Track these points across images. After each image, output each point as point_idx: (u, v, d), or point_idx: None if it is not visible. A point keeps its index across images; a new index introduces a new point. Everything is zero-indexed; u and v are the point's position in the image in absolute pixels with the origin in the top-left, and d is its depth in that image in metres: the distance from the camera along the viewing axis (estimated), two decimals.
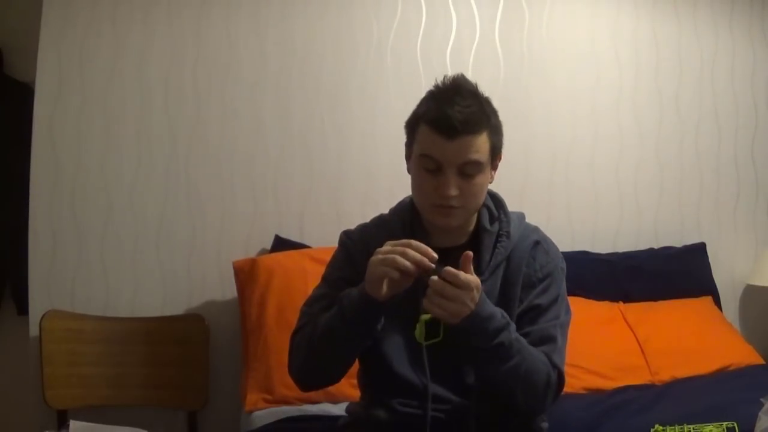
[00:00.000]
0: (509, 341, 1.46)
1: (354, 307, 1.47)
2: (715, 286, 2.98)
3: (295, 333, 1.63)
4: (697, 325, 2.74)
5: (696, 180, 3.13)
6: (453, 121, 1.47)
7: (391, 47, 2.82)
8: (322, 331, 1.53)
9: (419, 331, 1.43)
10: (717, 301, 2.94)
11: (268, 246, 2.67)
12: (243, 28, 2.71)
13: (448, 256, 1.52)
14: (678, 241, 3.05)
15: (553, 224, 2.83)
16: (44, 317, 2.47)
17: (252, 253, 2.67)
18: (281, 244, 2.65)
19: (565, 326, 1.62)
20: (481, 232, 1.62)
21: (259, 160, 2.72)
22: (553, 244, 1.69)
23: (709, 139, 3.14)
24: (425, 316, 1.43)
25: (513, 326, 1.49)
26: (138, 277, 2.63)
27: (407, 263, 1.39)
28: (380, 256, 1.42)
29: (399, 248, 1.41)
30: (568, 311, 1.65)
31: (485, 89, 3.04)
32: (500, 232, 1.62)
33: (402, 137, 1.63)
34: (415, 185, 1.58)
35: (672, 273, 2.90)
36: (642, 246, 3.00)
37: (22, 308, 2.70)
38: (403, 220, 1.64)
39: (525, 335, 1.53)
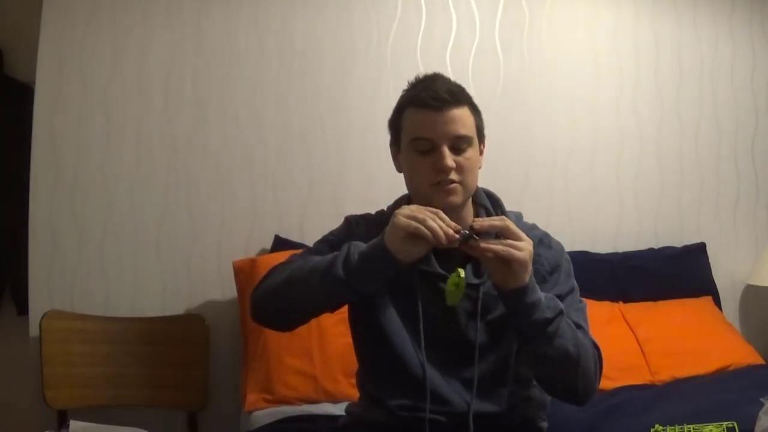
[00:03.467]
0: (563, 311, 1.46)
1: (363, 254, 1.44)
2: (715, 286, 2.98)
3: (278, 264, 1.61)
4: (697, 325, 2.74)
5: (696, 180, 3.13)
6: (439, 92, 1.52)
7: (391, 47, 2.82)
8: (315, 265, 1.49)
9: (455, 282, 1.42)
10: (717, 301, 2.94)
11: (268, 246, 2.67)
12: (243, 28, 2.71)
13: (447, 256, 1.53)
14: (678, 241, 3.05)
15: (554, 224, 2.81)
16: (44, 317, 2.46)
17: (252, 253, 2.67)
18: (281, 244, 2.64)
19: (585, 312, 1.62)
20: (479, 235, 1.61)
21: (259, 160, 2.72)
22: (554, 238, 1.69)
23: (709, 139, 3.14)
24: (460, 272, 1.42)
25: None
26: (138, 277, 2.63)
27: (435, 225, 1.39)
28: (407, 212, 1.42)
29: (428, 212, 1.41)
30: (581, 301, 1.64)
31: (485, 89, 3.06)
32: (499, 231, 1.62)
33: None
34: (411, 172, 1.57)
35: (672, 273, 2.90)
36: (642, 246, 3.00)
37: (22, 308, 2.70)
38: None
39: None
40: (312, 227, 2.71)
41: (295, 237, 2.69)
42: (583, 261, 2.79)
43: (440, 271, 1.55)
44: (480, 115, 1.60)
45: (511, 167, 2.90)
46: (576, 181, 2.99)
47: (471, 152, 1.54)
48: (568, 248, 2.93)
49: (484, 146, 1.62)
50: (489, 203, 1.66)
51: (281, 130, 2.74)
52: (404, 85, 1.60)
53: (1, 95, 2.81)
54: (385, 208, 1.70)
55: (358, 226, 1.65)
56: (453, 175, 1.51)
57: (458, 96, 1.54)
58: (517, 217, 1.68)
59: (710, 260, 3.02)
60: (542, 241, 1.64)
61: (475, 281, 1.55)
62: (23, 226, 2.56)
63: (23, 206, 2.56)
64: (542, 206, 2.91)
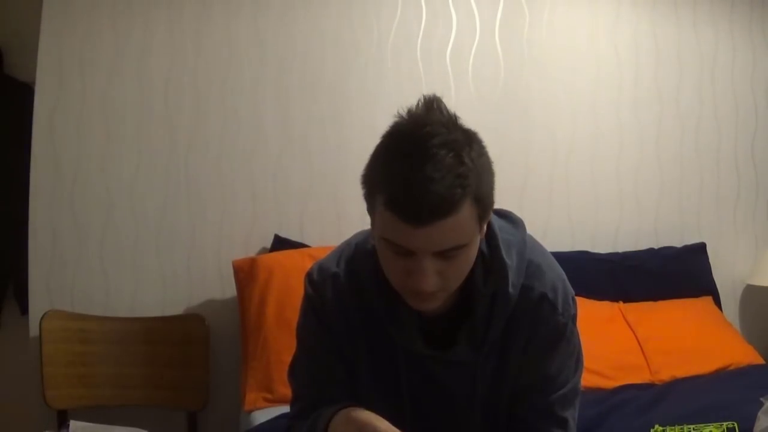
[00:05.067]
0: None
1: None
2: (715, 286, 2.98)
3: (292, 417, 1.45)
4: (697, 325, 2.74)
5: (696, 180, 3.13)
6: (421, 207, 1.07)
7: (391, 47, 2.82)
8: None
9: None
10: (717, 301, 2.94)
11: (268, 245, 2.67)
12: (243, 28, 2.71)
13: (435, 325, 1.28)
14: (678, 241, 3.05)
15: (554, 224, 2.84)
16: (44, 317, 2.47)
17: (252, 253, 2.67)
18: (281, 243, 2.65)
19: (577, 389, 1.34)
20: (474, 296, 1.25)
21: (259, 160, 2.72)
22: (562, 285, 1.31)
23: (709, 139, 3.14)
24: None
25: None
26: (138, 277, 2.63)
27: None
28: None
29: None
30: (579, 362, 1.34)
31: (485, 89, 3.06)
32: (497, 292, 1.25)
33: None
34: (382, 263, 1.21)
35: (672, 273, 2.90)
36: (642, 246, 3.00)
37: (26, 308, 2.70)
38: (378, 281, 1.26)
39: (529, 409, 1.30)
40: (312, 226, 2.72)
41: (294, 236, 2.69)
42: (583, 261, 2.81)
43: (427, 352, 1.28)
44: (485, 184, 1.14)
45: (511, 167, 2.89)
46: (576, 181, 2.99)
47: (465, 255, 1.16)
48: (568, 248, 2.94)
49: (492, 208, 1.20)
50: (485, 245, 1.26)
51: (281, 130, 2.74)
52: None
53: (1, 95, 2.82)
54: (354, 243, 1.38)
55: (324, 306, 1.33)
56: (435, 287, 1.16)
57: (451, 204, 1.08)
58: (520, 257, 1.29)
59: (710, 260, 3.02)
60: (547, 300, 1.28)
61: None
62: (25, 225, 2.56)
63: (23, 206, 2.56)
64: (542, 206, 2.91)
